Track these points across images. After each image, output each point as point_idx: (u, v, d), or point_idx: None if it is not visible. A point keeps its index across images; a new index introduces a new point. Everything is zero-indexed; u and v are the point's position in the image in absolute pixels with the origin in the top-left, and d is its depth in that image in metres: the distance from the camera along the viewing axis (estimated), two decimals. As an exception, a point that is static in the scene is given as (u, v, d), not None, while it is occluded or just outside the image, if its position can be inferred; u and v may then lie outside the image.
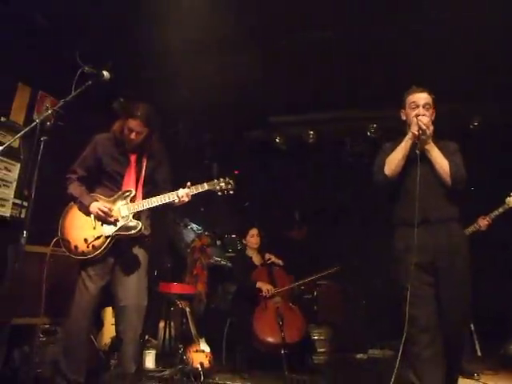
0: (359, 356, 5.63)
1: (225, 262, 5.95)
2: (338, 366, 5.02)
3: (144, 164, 3.19)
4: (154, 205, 3.04)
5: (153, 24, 4.17)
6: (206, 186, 3.10)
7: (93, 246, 2.99)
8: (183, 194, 3.02)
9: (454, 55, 4.73)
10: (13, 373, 3.32)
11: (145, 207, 3.05)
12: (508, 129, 5.80)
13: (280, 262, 5.17)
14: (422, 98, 2.97)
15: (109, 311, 4.34)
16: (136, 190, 3.11)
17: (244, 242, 5.28)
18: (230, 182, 3.14)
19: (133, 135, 3.09)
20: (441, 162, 2.88)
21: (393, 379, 2.72)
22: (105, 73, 2.80)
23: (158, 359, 4.57)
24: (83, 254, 3.00)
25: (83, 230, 3.04)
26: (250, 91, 5.36)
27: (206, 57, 4.76)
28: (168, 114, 5.62)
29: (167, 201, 3.04)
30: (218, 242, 6.16)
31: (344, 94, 5.64)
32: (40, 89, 4.45)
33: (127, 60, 4.32)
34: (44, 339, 3.64)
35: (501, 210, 4.24)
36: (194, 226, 6.08)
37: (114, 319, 4.47)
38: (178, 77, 4.88)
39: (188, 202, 3.06)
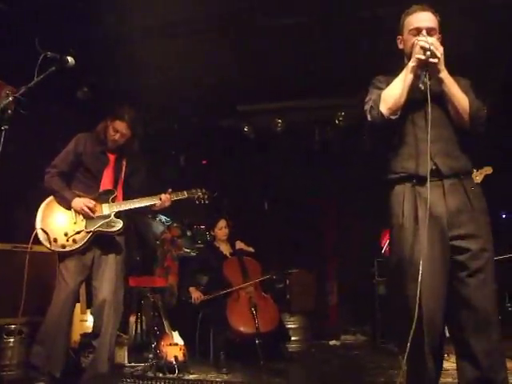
0: (332, 342, 5.70)
1: (195, 254, 5.87)
2: (312, 354, 5.06)
3: (123, 165, 3.30)
4: (135, 206, 3.17)
5: (117, 9, 4.01)
6: (185, 194, 3.34)
7: (73, 240, 3.04)
8: (165, 198, 3.20)
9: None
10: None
11: (126, 207, 3.16)
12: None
13: (251, 249, 5.12)
14: (424, 19, 2.30)
15: (78, 308, 4.20)
16: (116, 191, 3.21)
17: (213, 233, 5.18)
18: (207, 193, 3.43)
19: (117, 136, 3.18)
20: (459, 96, 2.21)
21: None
22: (69, 58, 2.63)
23: (130, 354, 4.49)
24: (63, 246, 3.04)
25: (63, 223, 3.09)
26: (217, 80, 5.27)
27: (172, 44, 4.63)
28: (134, 102, 5.50)
29: (149, 204, 3.19)
30: (189, 233, 6.08)
31: (312, 82, 5.61)
32: (-2, 77, 4.22)
33: (91, 47, 4.16)
34: (10, 340, 3.52)
35: None
36: (163, 217, 5.97)
37: (83, 316, 4.40)
38: (145, 64, 4.73)
39: (167, 207, 3.25)
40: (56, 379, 2.96)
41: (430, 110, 2.11)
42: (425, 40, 2.16)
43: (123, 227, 3.13)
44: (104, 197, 3.17)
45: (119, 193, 3.23)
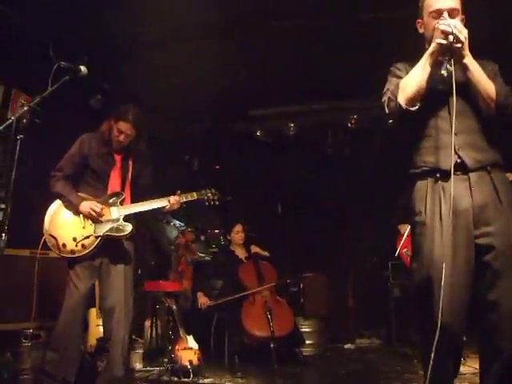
0: (347, 346, 5.67)
1: (209, 258, 5.90)
2: (326, 358, 5.03)
3: (130, 166, 3.23)
4: (144, 209, 3.11)
5: (130, 15, 4.06)
6: (195, 195, 3.26)
7: (82, 244, 2.99)
8: (174, 200, 3.13)
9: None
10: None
11: (136, 211, 3.10)
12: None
13: (266, 253, 5.15)
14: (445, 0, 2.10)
15: (93, 312, 4.25)
16: (125, 193, 3.16)
17: (229, 237, 5.26)
18: (217, 193, 3.35)
19: (122, 137, 3.11)
20: (485, 83, 2.04)
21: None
22: (82, 68, 2.70)
23: (146, 359, 4.52)
24: (72, 252, 2.99)
25: (72, 228, 3.03)
26: (229, 84, 5.30)
27: (185, 49, 4.67)
28: (147, 108, 5.56)
29: (158, 206, 3.13)
30: (202, 238, 6.10)
31: (324, 86, 5.61)
32: (14, 86, 4.31)
33: (103, 55, 4.22)
34: (28, 344, 3.56)
35: None
36: (177, 222, 6.00)
37: (99, 320, 4.44)
38: (157, 70, 4.79)
39: (177, 209, 3.18)
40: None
41: (454, 99, 1.95)
42: (446, 23, 1.97)
43: (133, 231, 3.06)
44: (112, 200, 3.11)
45: (127, 195, 3.18)
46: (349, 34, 4.71)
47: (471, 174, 2.05)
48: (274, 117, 6.45)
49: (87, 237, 3.01)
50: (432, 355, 1.86)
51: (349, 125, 6.27)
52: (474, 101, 2.09)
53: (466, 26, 2.06)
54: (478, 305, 2.04)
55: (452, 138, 1.97)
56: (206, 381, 3.98)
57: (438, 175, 2.08)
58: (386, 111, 2.16)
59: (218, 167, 7.18)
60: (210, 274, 5.27)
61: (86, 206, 3.02)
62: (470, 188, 2.04)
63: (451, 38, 1.96)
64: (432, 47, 2.04)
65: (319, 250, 6.51)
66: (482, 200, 2.04)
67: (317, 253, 6.45)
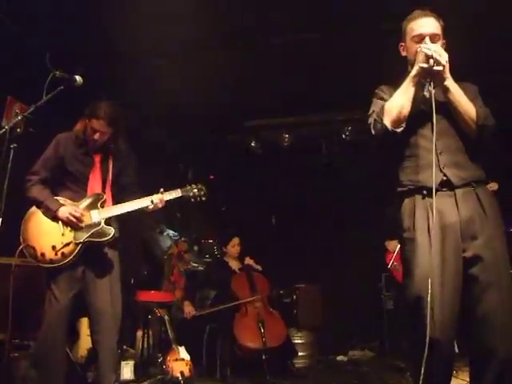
0: (340, 358, 5.65)
1: (202, 268, 5.88)
2: (319, 369, 5.01)
3: (110, 165, 3.05)
4: (126, 210, 2.92)
5: (127, 26, 4.09)
6: (179, 192, 3.07)
7: (62, 253, 2.80)
8: (157, 200, 2.95)
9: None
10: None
11: (117, 213, 2.92)
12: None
13: (259, 267, 5.17)
14: (427, 25, 2.19)
15: (84, 322, 4.21)
16: (105, 194, 2.98)
17: (224, 249, 5.28)
18: (203, 188, 3.15)
19: (96, 136, 2.93)
20: (465, 105, 2.12)
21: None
22: (77, 77, 2.70)
23: (137, 369, 4.47)
24: (51, 261, 2.80)
25: (50, 236, 2.84)
26: (224, 95, 5.33)
27: (181, 60, 4.71)
28: (142, 118, 5.58)
29: (141, 206, 2.94)
30: (196, 248, 6.09)
31: (318, 97, 5.66)
32: (8, 94, 4.30)
33: (100, 63, 4.24)
34: (16, 355, 3.51)
35: None
36: (171, 232, 6.00)
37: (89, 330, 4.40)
38: (153, 80, 4.81)
39: (161, 207, 2.99)
40: None
41: (434, 120, 2.04)
42: (428, 47, 2.08)
43: (115, 235, 2.88)
44: (92, 202, 2.92)
45: (108, 196, 2.99)
46: (345, 46, 4.76)
47: (457, 191, 2.12)
48: (268, 128, 6.48)
49: (67, 244, 2.82)
50: (422, 369, 1.88)
51: (343, 136, 6.31)
52: (456, 121, 2.17)
53: (446, 50, 2.15)
54: (468, 318, 2.07)
55: (433, 157, 2.05)
56: (196, 393, 3.96)
57: (424, 192, 2.13)
58: (373, 132, 2.22)
59: (212, 177, 7.18)
60: (202, 284, 5.26)
61: (65, 211, 2.83)
62: (457, 203, 2.10)
63: (432, 61, 2.05)
64: (414, 70, 2.12)
65: (312, 261, 6.51)
66: (469, 214, 2.10)
67: (310, 264, 6.45)
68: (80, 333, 4.28)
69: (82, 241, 2.83)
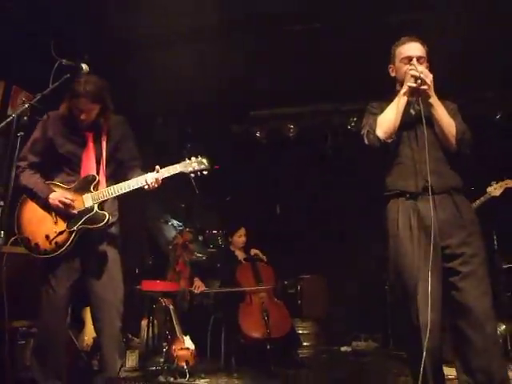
0: (343, 349, 5.67)
1: (206, 258, 5.90)
2: (323, 360, 5.03)
3: (104, 143, 2.85)
4: (121, 192, 2.73)
5: (132, 16, 4.07)
6: (177, 168, 2.77)
7: (56, 242, 2.68)
8: (152, 179, 2.70)
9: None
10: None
11: (111, 195, 2.74)
12: (483, 120, 5.92)
13: (264, 257, 5.17)
14: (414, 48, 2.53)
15: (89, 310, 4.23)
16: (98, 175, 2.79)
17: (230, 239, 5.30)
18: (203, 161, 2.81)
19: (83, 116, 2.75)
20: (447, 121, 2.42)
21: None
22: (83, 66, 2.68)
23: (142, 358, 4.51)
24: (46, 252, 2.69)
25: (43, 225, 2.71)
26: (230, 85, 5.29)
27: (186, 51, 4.67)
28: (147, 108, 5.55)
29: (135, 187, 2.73)
30: (200, 238, 6.10)
31: (324, 88, 5.62)
32: (14, 83, 4.30)
33: (104, 53, 4.21)
34: (23, 342, 3.53)
35: (483, 199, 4.26)
36: (175, 222, 6.00)
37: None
38: (158, 70, 4.78)
39: (159, 186, 2.75)
40: None
41: (425, 131, 2.33)
42: (415, 69, 2.38)
43: (109, 219, 2.72)
44: (84, 186, 2.75)
45: (102, 177, 2.80)
46: (350, 36, 4.72)
47: (436, 196, 2.37)
48: (274, 118, 6.45)
49: (60, 233, 2.69)
50: (424, 351, 2.13)
51: (348, 127, 6.28)
52: (438, 134, 2.47)
53: (430, 71, 2.46)
54: (450, 308, 2.34)
55: (426, 165, 2.34)
56: (202, 381, 3.98)
57: (408, 195, 2.42)
58: (366, 142, 2.52)
59: (217, 167, 7.16)
60: (206, 274, 5.28)
61: (55, 198, 2.69)
62: (436, 207, 2.34)
63: (419, 81, 2.36)
64: (404, 89, 2.43)
65: (317, 251, 6.50)
66: (446, 216, 2.37)
67: (314, 255, 6.45)
68: (85, 321, 4.30)
69: (75, 228, 2.69)
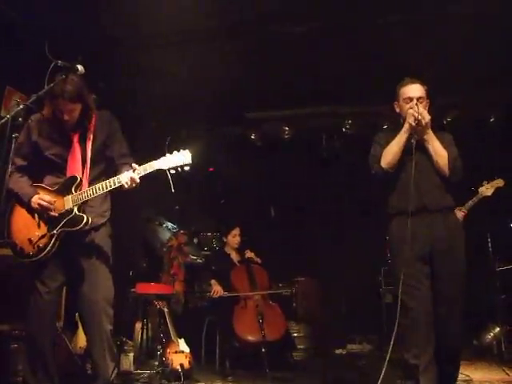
0: (338, 351, 5.66)
1: (201, 261, 5.88)
2: (318, 363, 5.02)
3: (89, 143, 2.79)
4: (98, 193, 2.66)
5: (128, 16, 4.05)
6: (154, 166, 2.64)
7: (38, 246, 2.65)
8: (127, 179, 2.60)
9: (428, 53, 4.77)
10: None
11: (89, 197, 2.67)
12: (478, 122, 5.97)
13: (258, 260, 5.15)
14: (415, 90, 2.96)
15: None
16: (82, 175, 2.74)
17: (224, 240, 5.25)
18: (184, 154, 2.65)
19: (65, 116, 2.69)
20: (440, 153, 2.88)
21: (383, 372, 2.76)
22: (79, 67, 2.66)
23: (136, 362, 4.47)
24: (29, 256, 2.66)
25: (27, 229, 2.69)
26: (225, 87, 5.29)
27: (181, 52, 4.66)
28: (142, 110, 5.54)
29: (111, 187, 2.64)
30: (195, 240, 6.08)
31: (319, 90, 5.63)
32: (7, 84, 4.26)
33: (99, 54, 4.19)
34: (15, 345, 3.49)
35: (475, 199, 4.30)
36: (169, 224, 5.98)
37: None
38: (152, 72, 4.77)
39: (137, 185, 2.64)
40: None
41: (413, 164, 2.79)
42: (415, 111, 2.82)
43: (88, 221, 2.67)
44: (66, 187, 2.70)
45: (85, 177, 2.74)
46: (346, 39, 4.73)
47: (430, 215, 2.84)
48: (269, 120, 6.45)
49: (42, 236, 2.65)
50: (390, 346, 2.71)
51: (343, 129, 6.29)
52: (433, 163, 2.91)
53: (429, 110, 2.91)
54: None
55: (411, 190, 2.79)
56: (196, 385, 3.96)
57: (405, 216, 2.81)
58: (372, 172, 2.99)
59: (211, 170, 7.15)
60: (201, 276, 5.25)
61: (34, 201, 2.66)
62: (430, 224, 2.83)
63: (417, 121, 2.81)
64: (405, 127, 2.88)
65: (312, 254, 6.51)
66: (438, 232, 2.83)
67: (309, 257, 6.45)
68: (79, 324, 4.27)
69: (55, 232, 2.65)
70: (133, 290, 4.62)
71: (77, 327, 4.26)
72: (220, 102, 5.66)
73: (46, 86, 2.54)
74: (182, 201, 6.15)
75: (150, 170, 2.64)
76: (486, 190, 4.26)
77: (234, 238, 5.15)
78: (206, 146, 6.26)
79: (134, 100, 4.87)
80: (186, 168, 2.66)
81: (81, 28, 4.14)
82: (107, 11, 4.04)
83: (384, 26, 4.48)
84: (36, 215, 2.71)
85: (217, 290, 4.73)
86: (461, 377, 3.55)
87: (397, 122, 3.07)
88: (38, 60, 2.74)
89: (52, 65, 2.57)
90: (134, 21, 4.11)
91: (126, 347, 4.47)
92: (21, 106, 2.39)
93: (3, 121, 2.30)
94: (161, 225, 5.83)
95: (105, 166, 2.88)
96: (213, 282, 4.81)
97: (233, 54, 4.83)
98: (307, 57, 5.00)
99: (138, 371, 4.32)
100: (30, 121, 2.78)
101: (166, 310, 4.35)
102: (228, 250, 5.21)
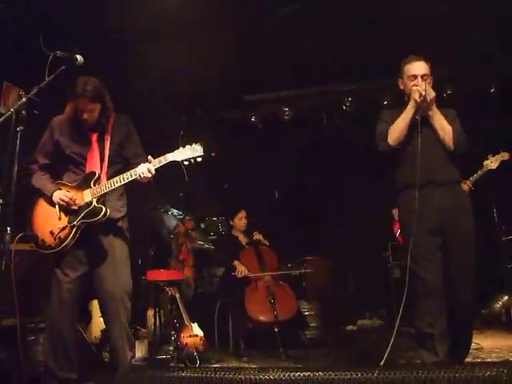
0: (349, 327, 5.71)
1: (208, 246, 5.89)
2: (330, 340, 5.07)
3: (107, 142, 2.95)
4: (116, 185, 2.80)
5: (123, 6, 4.01)
6: (168, 158, 2.78)
7: (59, 237, 2.80)
8: (144, 170, 2.74)
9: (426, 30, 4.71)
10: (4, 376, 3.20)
11: (107, 189, 2.81)
12: (480, 94, 5.92)
13: (266, 242, 5.16)
14: (419, 67, 2.98)
15: (96, 303, 4.23)
16: (101, 172, 2.89)
17: (231, 223, 5.26)
18: (197, 148, 2.79)
19: (85, 115, 2.85)
20: (444, 128, 2.92)
21: (391, 344, 2.73)
22: (78, 57, 2.65)
23: (151, 348, 4.52)
24: (51, 247, 2.81)
25: (49, 221, 2.86)
26: (223, 70, 5.25)
27: (178, 36, 4.63)
28: (142, 95, 5.51)
29: (129, 179, 2.78)
30: (202, 225, 6.09)
31: (317, 69, 5.59)
32: (5, 79, 4.23)
33: (97, 42, 4.16)
34: (32, 338, 3.53)
35: (480, 173, 4.29)
36: (175, 211, 5.98)
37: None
38: (152, 57, 4.73)
39: (153, 176, 2.77)
40: (74, 380, 2.85)
41: (420, 140, 2.82)
42: (420, 88, 2.86)
43: (107, 212, 2.79)
44: (85, 182, 2.86)
45: (103, 173, 2.89)
46: (344, 17, 4.68)
47: (439, 187, 2.89)
48: (268, 102, 6.42)
49: (63, 228, 2.80)
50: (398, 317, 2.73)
51: (343, 107, 6.26)
52: (438, 137, 2.96)
53: (433, 87, 2.94)
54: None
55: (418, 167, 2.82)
56: (213, 366, 4.00)
57: (414, 189, 2.83)
58: (379, 149, 3.03)
59: (213, 155, 7.13)
60: (209, 261, 5.28)
61: (57, 195, 2.83)
62: (439, 196, 2.87)
63: (422, 98, 2.84)
64: (410, 104, 2.91)
65: (318, 233, 6.53)
66: (446, 204, 2.87)
67: (315, 236, 6.48)
68: (92, 314, 4.31)
69: (75, 223, 2.80)
70: (143, 277, 4.65)
71: (90, 317, 4.31)
72: (218, 86, 5.63)
73: (46, 78, 2.54)
74: (186, 187, 6.15)
75: (165, 162, 2.78)
76: (491, 163, 4.25)
77: (240, 220, 5.16)
78: (207, 131, 6.25)
79: (133, 88, 4.83)
80: (199, 159, 2.82)
81: (80, 20, 4.10)
82: (107, 4, 4.00)
83: (381, 4, 4.43)
84: (57, 208, 2.85)
85: (241, 269, 4.72)
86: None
87: (398, 97, 3.11)
88: (36, 54, 2.72)
89: (51, 56, 2.57)
90: (131, 11, 4.07)
91: (139, 334, 4.53)
92: (23, 99, 2.39)
93: (7, 114, 2.30)
94: (166, 212, 5.83)
95: (121, 167, 3.00)
96: (236, 262, 4.79)
97: (229, 35, 4.79)
98: (304, 36, 4.96)
99: (154, 357, 4.37)
100: (52, 121, 2.98)
101: (177, 295, 4.38)
102: (235, 232, 5.22)
